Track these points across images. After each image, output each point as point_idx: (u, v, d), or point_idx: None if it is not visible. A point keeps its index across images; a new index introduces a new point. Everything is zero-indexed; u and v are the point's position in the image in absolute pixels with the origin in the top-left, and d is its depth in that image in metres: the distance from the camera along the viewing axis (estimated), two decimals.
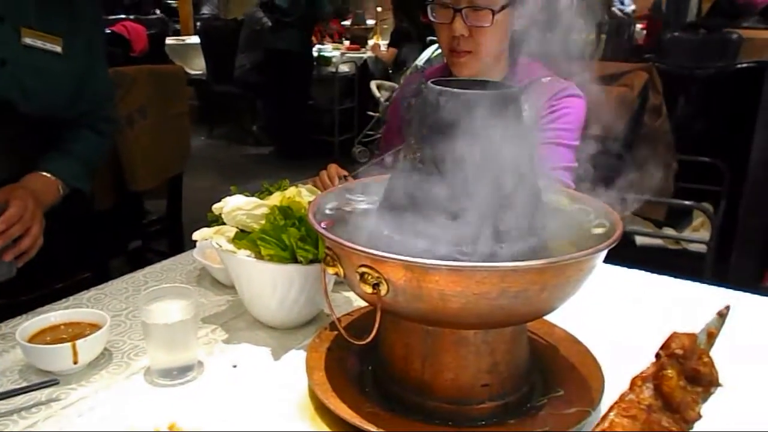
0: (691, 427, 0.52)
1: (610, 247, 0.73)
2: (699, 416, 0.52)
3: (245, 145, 6.22)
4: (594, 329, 1.00)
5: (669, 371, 0.53)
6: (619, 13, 5.80)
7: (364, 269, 0.72)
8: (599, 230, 0.80)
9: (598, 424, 0.54)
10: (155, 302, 0.91)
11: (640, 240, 2.27)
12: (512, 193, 0.74)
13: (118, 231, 1.42)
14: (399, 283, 0.71)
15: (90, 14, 1.36)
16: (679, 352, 0.53)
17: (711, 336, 0.57)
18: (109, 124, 1.48)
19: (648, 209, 2.23)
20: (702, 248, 2.06)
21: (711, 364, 0.55)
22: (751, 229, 1.86)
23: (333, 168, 1.34)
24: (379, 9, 6.73)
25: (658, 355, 0.55)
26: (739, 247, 1.92)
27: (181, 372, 0.90)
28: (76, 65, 1.32)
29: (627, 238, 2.21)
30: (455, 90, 0.75)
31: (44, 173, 1.31)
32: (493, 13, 1.31)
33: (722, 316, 0.58)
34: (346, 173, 1.31)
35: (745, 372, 0.93)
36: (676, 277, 1.28)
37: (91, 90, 1.38)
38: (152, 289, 0.92)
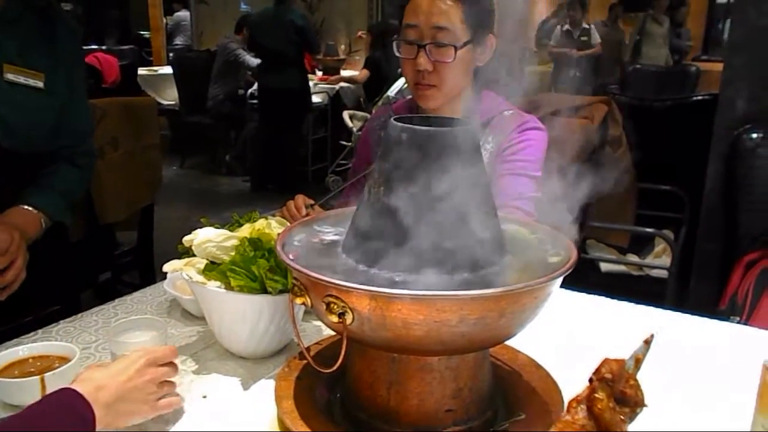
0: None
1: (562, 276, 0.76)
2: None
3: (217, 175, 6.21)
4: (556, 353, 1.03)
5: (599, 394, 0.57)
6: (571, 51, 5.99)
7: (330, 299, 0.75)
8: (555, 259, 0.84)
9: None
10: (125, 333, 0.92)
11: (604, 266, 2.34)
12: (471, 224, 0.78)
13: (88, 263, 1.41)
14: (364, 312, 0.73)
15: (71, 51, 1.38)
16: (608, 376, 0.58)
17: (638, 361, 0.62)
18: (88, 158, 1.49)
19: (611, 236, 2.30)
20: (664, 274, 2.13)
21: (637, 386, 0.60)
22: (708, 254, 1.94)
23: (300, 198, 1.37)
24: (360, 34, 6.82)
25: (590, 380, 0.59)
26: (697, 272, 1.99)
27: None
28: (57, 100, 1.33)
29: (592, 265, 2.28)
30: (415, 127, 0.79)
31: (26, 207, 1.31)
32: (456, 49, 1.36)
33: (647, 343, 0.63)
34: (312, 202, 1.34)
35: (671, 393, 0.98)
36: (637, 302, 1.32)
37: (71, 124, 1.39)
38: (122, 321, 0.94)
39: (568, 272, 0.77)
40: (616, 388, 0.58)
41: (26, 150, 1.32)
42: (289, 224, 1.01)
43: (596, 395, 0.57)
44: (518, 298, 0.74)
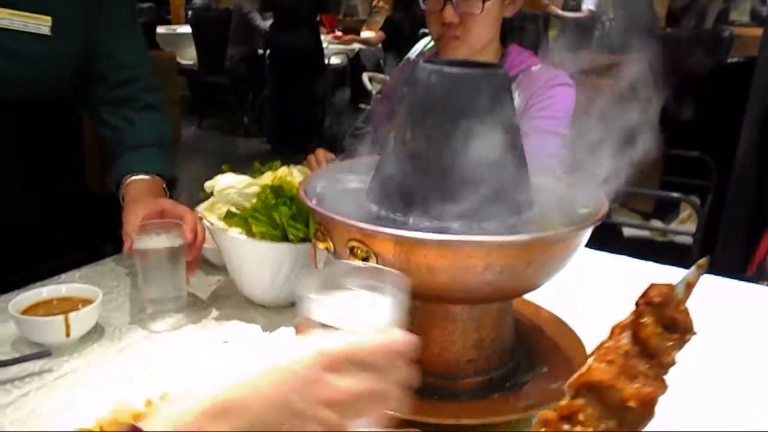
0: (666, 372, 0.54)
1: (594, 225, 0.74)
2: (674, 362, 0.54)
3: (236, 137, 6.21)
4: (579, 312, 1.02)
5: (646, 319, 0.54)
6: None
7: (353, 243, 0.73)
8: (585, 210, 0.82)
9: (579, 372, 0.55)
10: (147, 232, 0.97)
11: (627, 231, 2.30)
12: (500, 171, 0.76)
13: (109, 214, 1.41)
14: (388, 257, 0.72)
15: None
16: (657, 300, 0.55)
17: (689, 286, 0.58)
18: (155, 93, 1.32)
19: (636, 201, 2.26)
20: (688, 240, 2.10)
21: (686, 312, 0.56)
22: (736, 220, 1.89)
23: (321, 152, 1.35)
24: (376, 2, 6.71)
25: (637, 304, 0.56)
26: (723, 238, 1.95)
27: (173, 302, 0.97)
28: (71, 46, 1.19)
29: (615, 230, 2.25)
30: (445, 68, 0.77)
31: (142, 177, 1.18)
32: (483, 0, 1.32)
33: (701, 267, 0.59)
34: (333, 156, 1.32)
35: (700, 355, 0.96)
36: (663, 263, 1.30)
37: (112, 66, 1.24)
38: (146, 222, 0.98)
39: (599, 223, 0.75)
40: (664, 314, 0.54)
41: (30, 103, 1.19)
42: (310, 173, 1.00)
43: (643, 320, 0.54)
44: (547, 247, 0.72)
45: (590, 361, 0.54)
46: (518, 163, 0.80)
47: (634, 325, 0.54)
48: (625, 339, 0.54)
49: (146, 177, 1.18)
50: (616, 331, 0.55)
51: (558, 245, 0.73)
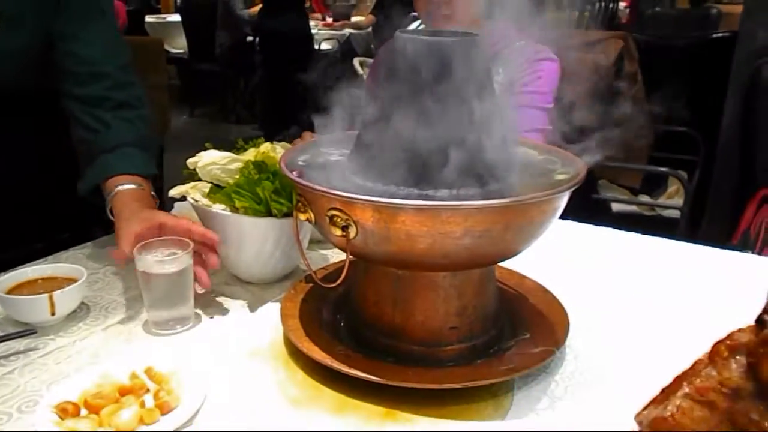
0: None
1: (570, 189, 0.75)
2: None
3: (228, 123, 6.18)
4: (564, 282, 1.03)
5: None
6: None
7: (333, 212, 0.74)
8: (563, 176, 0.83)
9: (658, 403, 0.40)
10: (151, 252, 0.92)
11: (616, 207, 2.31)
12: (478, 137, 0.76)
13: (97, 200, 1.39)
14: (367, 225, 0.72)
15: None
16: None
17: None
18: (127, 90, 1.23)
19: (624, 177, 2.26)
20: (675, 214, 2.11)
21: None
22: (722, 192, 1.91)
23: (307, 135, 1.35)
24: None
25: (761, 321, 0.40)
26: (710, 211, 1.96)
27: (178, 322, 0.93)
28: (22, 40, 1.14)
29: (604, 205, 2.26)
30: (420, 36, 0.77)
31: (129, 186, 1.11)
32: None
33: None
34: (311, 135, 1.32)
35: (686, 320, 0.97)
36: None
37: (77, 64, 1.19)
38: (148, 241, 0.93)
39: (575, 187, 0.76)
40: None
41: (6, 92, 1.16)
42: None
43: None
44: (525, 210, 0.73)
45: (678, 398, 0.39)
46: (496, 129, 0.81)
47: (752, 351, 0.38)
48: (735, 369, 0.38)
49: (133, 186, 1.11)
50: (721, 352, 0.40)
51: (535, 209, 0.73)
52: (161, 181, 2.76)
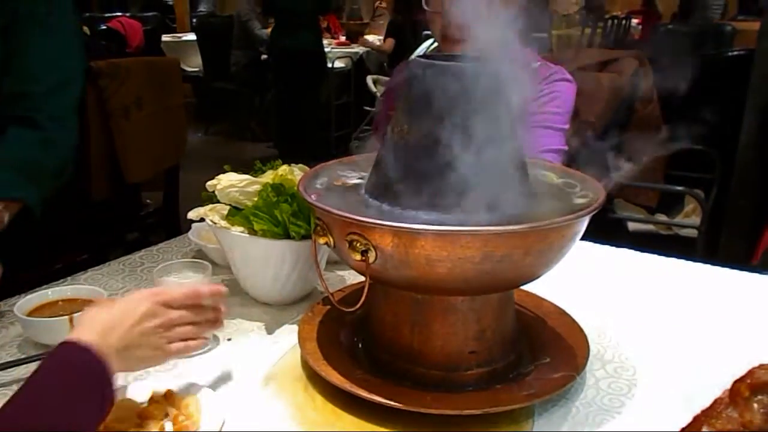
0: None
1: (590, 214, 0.75)
2: None
3: (243, 141, 6.23)
4: (583, 304, 1.02)
5: None
6: None
7: (352, 237, 0.74)
8: (582, 200, 0.82)
9: None
10: (171, 275, 0.92)
11: (632, 226, 2.29)
12: (497, 162, 0.76)
13: (114, 221, 1.41)
14: (387, 250, 0.73)
15: None
16: None
17: None
18: (55, 116, 1.21)
19: (640, 196, 2.25)
20: (693, 233, 2.09)
21: None
22: (740, 211, 1.89)
23: None
24: (378, 4, 6.72)
25: None
26: (728, 230, 1.94)
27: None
28: None
29: (620, 224, 2.24)
30: (439, 62, 0.77)
31: None
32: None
33: None
34: None
35: (706, 342, 0.96)
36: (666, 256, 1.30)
37: (19, 75, 1.17)
38: (167, 263, 0.94)
39: (595, 211, 0.75)
40: None
41: None
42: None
43: None
44: (545, 236, 0.72)
45: None
46: (517, 154, 0.81)
47: None
48: (758, 410, 0.37)
49: None
50: (742, 392, 0.38)
51: (554, 234, 0.73)
52: (177, 199, 2.80)
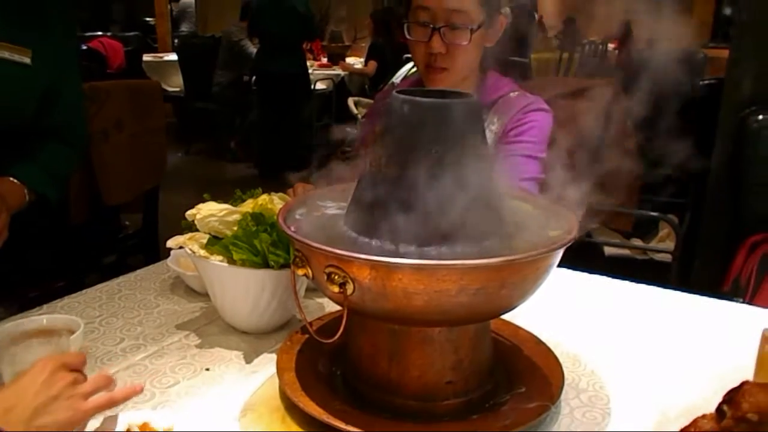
0: None
1: (563, 247, 0.76)
2: None
3: (223, 161, 6.22)
4: (558, 332, 1.04)
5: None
6: None
7: (331, 269, 0.75)
8: (556, 232, 0.84)
9: None
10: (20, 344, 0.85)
11: (608, 250, 2.33)
12: (472, 196, 0.78)
13: (93, 244, 1.41)
14: (364, 282, 0.74)
15: (62, 27, 1.36)
16: (753, 418, 0.42)
17: None
18: (79, 136, 1.48)
19: (615, 220, 2.29)
20: (668, 258, 2.13)
21: None
22: (712, 237, 1.93)
23: (299, 187, 1.36)
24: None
25: (720, 410, 0.44)
26: (701, 255, 1.98)
27: None
28: (45, 77, 1.31)
29: (596, 249, 2.28)
30: (416, 98, 0.79)
31: (9, 178, 1.31)
32: (471, 31, 1.35)
33: None
34: (312, 188, 1.33)
35: (673, 366, 0.98)
36: (639, 282, 1.32)
37: (60, 101, 1.37)
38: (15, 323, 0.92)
39: (569, 244, 0.77)
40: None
41: (12, 125, 1.30)
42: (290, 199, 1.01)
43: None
44: (519, 269, 0.74)
45: None
46: (490, 187, 0.83)
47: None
48: None
49: (12, 180, 1.30)
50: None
51: (528, 267, 0.75)
52: (156, 221, 2.79)
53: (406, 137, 0.79)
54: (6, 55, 1.23)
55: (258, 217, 1.00)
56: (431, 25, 1.35)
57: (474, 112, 0.82)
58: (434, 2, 1.34)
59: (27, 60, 1.26)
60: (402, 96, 0.81)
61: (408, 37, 1.42)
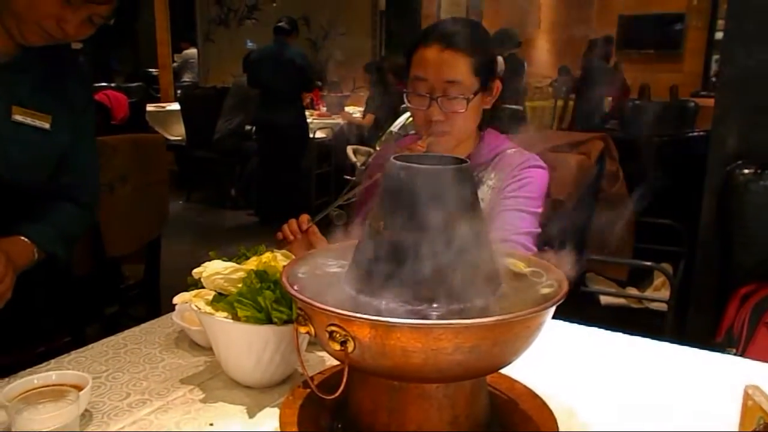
0: None
1: (553, 306, 0.80)
2: None
3: (223, 209, 6.29)
4: (553, 384, 1.06)
5: None
6: None
7: (332, 328, 0.79)
8: (547, 290, 0.88)
9: None
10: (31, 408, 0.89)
11: (604, 300, 2.36)
12: (467, 258, 0.82)
13: (95, 296, 1.44)
14: (365, 341, 0.77)
15: (81, 93, 1.43)
16: None
17: None
18: (91, 197, 1.53)
19: (611, 270, 2.33)
20: (663, 307, 2.16)
21: None
22: (704, 287, 1.97)
23: (293, 222, 1.41)
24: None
25: None
26: (695, 305, 2.02)
27: None
28: (62, 140, 1.38)
29: (592, 298, 2.31)
30: (412, 165, 0.84)
31: (21, 237, 1.35)
32: (467, 100, 1.41)
33: None
34: (308, 217, 1.38)
35: (663, 420, 1.00)
36: (633, 334, 1.35)
37: (75, 163, 1.44)
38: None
39: (559, 303, 0.81)
40: None
41: (28, 185, 1.36)
42: (294, 257, 1.05)
43: None
44: (510, 327, 0.78)
45: None
46: (484, 248, 0.87)
47: None
48: None
49: (22, 239, 1.34)
50: None
51: (519, 326, 0.78)
52: (158, 271, 2.82)
53: (403, 202, 0.84)
54: (28, 120, 1.30)
55: (262, 275, 1.04)
56: (429, 96, 1.41)
57: (466, 177, 0.87)
58: (431, 74, 1.41)
59: (47, 125, 1.33)
60: (398, 162, 0.86)
61: (408, 104, 1.49)
